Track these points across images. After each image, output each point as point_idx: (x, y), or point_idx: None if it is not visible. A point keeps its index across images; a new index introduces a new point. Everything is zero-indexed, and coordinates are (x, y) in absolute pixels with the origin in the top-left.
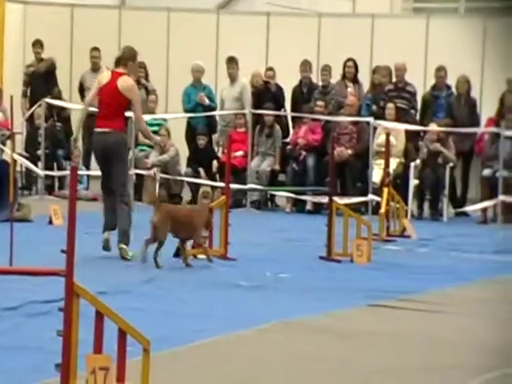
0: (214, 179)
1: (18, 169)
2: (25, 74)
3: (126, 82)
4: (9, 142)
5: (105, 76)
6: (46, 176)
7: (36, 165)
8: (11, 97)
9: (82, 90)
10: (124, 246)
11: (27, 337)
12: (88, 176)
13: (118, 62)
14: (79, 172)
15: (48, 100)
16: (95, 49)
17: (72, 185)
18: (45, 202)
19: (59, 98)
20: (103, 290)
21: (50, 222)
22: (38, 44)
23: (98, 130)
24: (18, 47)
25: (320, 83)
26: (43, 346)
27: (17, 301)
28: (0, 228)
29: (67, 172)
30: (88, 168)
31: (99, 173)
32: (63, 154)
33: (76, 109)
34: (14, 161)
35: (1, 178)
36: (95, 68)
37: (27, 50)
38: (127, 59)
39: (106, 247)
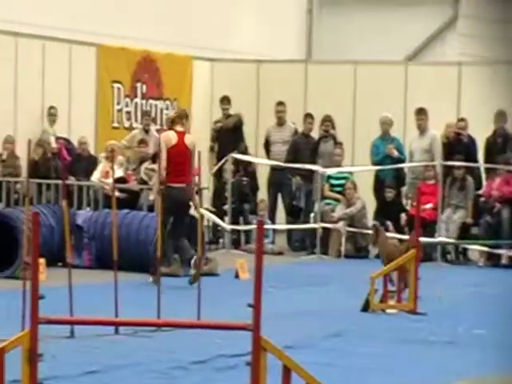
0: (402, 232)
1: (206, 223)
2: (212, 130)
3: (190, 139)
4: (196, 198)
5: (172, 136)
6: (233, 230)
7: (223, 219)
8: (199, 152)
9: (267, 144)
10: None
11: None
12: (274, 230)
13: (175, 121)
14: (265, 226)
15: (235, 155)
16: (280, 103)
17: (259, 239)
18: (231, 256)
19: (245, 153)
20: (289, 345)
21: (237, 276)
22: (225, 100)
23: (174, 185)
24: (206, 103)
25: None
26: None
27: (205, 354)
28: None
29: (253, 226)
30: (273, 222)
31: (284, 227)
32: (249, 208)
33: (262, 164)
34: (202, 216)
35: (190, 234)
36: (280, 123)
37: (214, 106)
38: (183, 118)
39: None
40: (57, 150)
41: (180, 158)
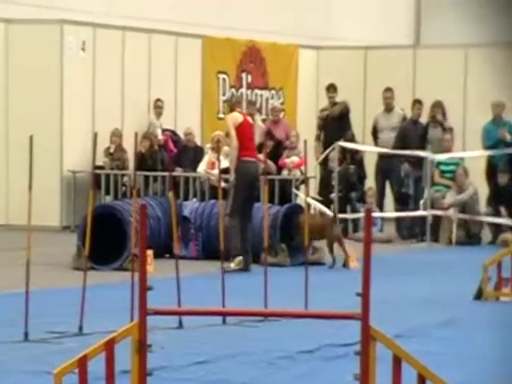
0: None
1: (312, 212)
2: (318, 118)
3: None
4: (303, 187)
5: (237, 115)
6: (340, 219)
7: (329, 208)
8: (305, 141)
9: (375, 131)
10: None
11: (324, 380)
12: (382, 218)
13: (235, 105)
14: (373, 214)
15: (341, 143)
16: (388, 89)
17: (367, 227)
18: (339, 246)
19: (352, 140)
20: (399, 333)
21: (345, 265)
22: (331, 88)
23: (250, 159)
24: (312, 92)
25: None
26: None
27: (313, 344)
28: (295, 272)
29: (361, 214)
30: (382, 210)
31: (393, 214)
32: (357, 196)
33: (369, 151)
34: (308, 205)
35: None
36: (388, 109)
37: (320, 94)
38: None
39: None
40: (163, 142)
41: (249, 134)
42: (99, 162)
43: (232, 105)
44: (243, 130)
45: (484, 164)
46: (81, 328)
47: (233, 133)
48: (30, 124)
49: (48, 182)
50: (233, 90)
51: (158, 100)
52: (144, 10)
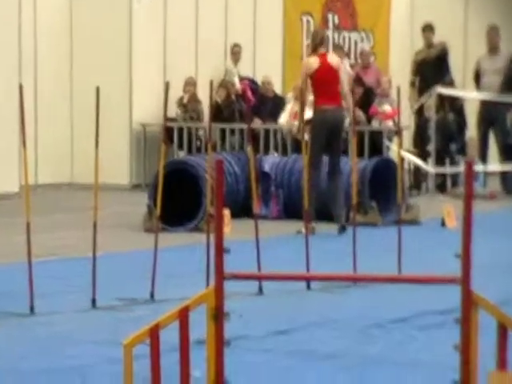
0: None
1: (406, 167)
2: (413, 62)
3: (335, 59)
4: (396, 138)
5: (312, 61)
6: (437, 173)
7: (426, 161)
8: (398, 88)
9: (477, 76)
10: None
11: (420, 351)
12: (485, 172)
13: (318, 45)
14: (475, 168)
15: (439, 89)
16: (494, 28)
17: (468, 182)
18: (436, 202)
19: (452, 86)
20: (504, 300)
21: (443, 224)
22: (428, 28)
23: (328, 106)
24: (406, 33)
25: None
26: (439, 360)
27: (407, 312)
28: (387, 232)
29: (461, 168)
30: (485, 163)
31: (496, 168)
32: (456, 148)
33: (471, 98)
34: (402, 159)
35: (387, 179)
36: (493, 50)
37: (416, 35)
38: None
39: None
40: (241, 91)
41: (329, 78)
42: (171, 114)
43: (316, 45)
44: (320, 76)
45: None
46: (152, 294)
47: (303, 85)
48: (97, 74)
49: (116, 135)
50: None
51: (236, 45)
52: None
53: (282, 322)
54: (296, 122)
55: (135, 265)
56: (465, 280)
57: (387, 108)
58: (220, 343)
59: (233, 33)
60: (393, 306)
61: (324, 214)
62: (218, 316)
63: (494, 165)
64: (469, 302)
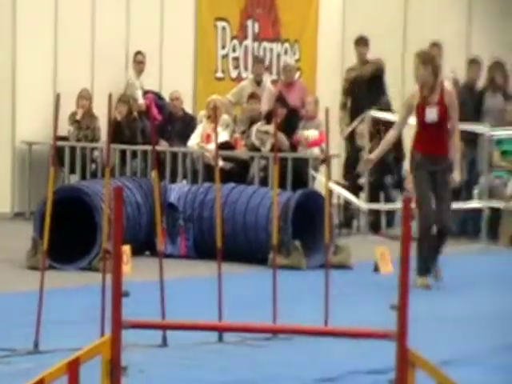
0: None
1: (335, 201)
2: (344, 81)
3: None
4: (323, 168)
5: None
6: (370, 210)
7: (357, 196)
8: (326, 110)
9: None
10: None
11: None
12: None
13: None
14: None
15: (374, 113)
16: (435, 45)
17: (405, 221)
18: (368, 244)
19: (388, 109)
20: (447, 359)
21: (376, 269)
22: (362, 42)
23: None
24: (336, 47)
25: None
26: None
27: (334, 370)
28: (313, 276)
29: (398, 205)
30: None
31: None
32: (392, 181)
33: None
34: (330, 191)
35: (313, 214)
36: None
37: (347, 49)
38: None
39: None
40: (145, 108)
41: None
42: (62, 132)
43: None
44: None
45: None
46: (36, 344)
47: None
48: None
49: None
50: (235, 42)
51: (139, 53)
52: None
53: (190, 379)
54: (209, 146)
55: (17, 308)
56: (401, 336)
57: (313, 133)
58: None
59: (135, 39)
60: (318, 363)
61: (238, 253)
62: (115, 370)
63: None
64: (405, 360)
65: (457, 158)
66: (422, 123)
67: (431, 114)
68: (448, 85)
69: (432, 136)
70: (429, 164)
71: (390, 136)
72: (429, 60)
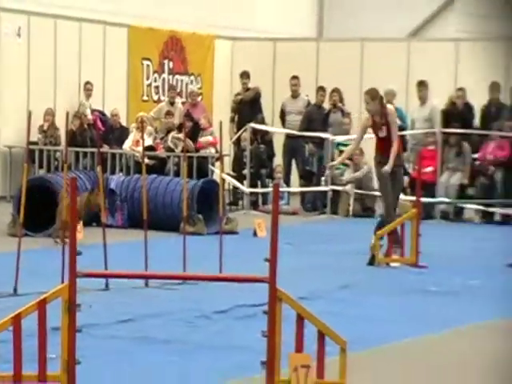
0: (405, 193)
1: (226, 187)
2: (233, 102)
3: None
4: (218, 163)
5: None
6: (251, 193)
7: (242, 183)
8: (220, 122)
9: (283, 115)
10: None
11: (236, 337)
12: (288, 192)
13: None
14: (281, 189)
15: (253, 125)
16: (295, 77)
17: (275, 200)
18: (250, 217)
19: (263, 122)
20: (303, 295)
21: (255, 234)
22: (245, 75)
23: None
24: (227, 78)
25: (508, 102)
26: (250, 345)
27: (226, 305)
28: (211, 240)
29: (270, 189)
30: (288, 185)
31: (298, 189)
32: (266, 172)
33: (278, 132)
34: (223, 180)
35: (211, 196)
36: (295, 95)
37: (235, 80)
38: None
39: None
40: (92, 121)
41: None
42: (34, 139)
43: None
44: None
45: None
46: (15, 289)
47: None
48: None
49: None
50: (155, 75)
51: (88, 83)
52: (75, 0)
53: (125, 313)
54: (138, 148)
55: (1, 264)
56: (271, 280)
57: (210, 138)
58: (72, 330)
59: (85, 72)
60: (215, 301)
61: (159, 224)
62: (71, 307)
63: (296, 187)
64: (274, 297)
65: (392, 156)
66: (377, 137)
67: (382, 133)
68: (389, 107)
69: (384, 145)
70: (384, 163)
71: (349, 148)
72: (376, 95)
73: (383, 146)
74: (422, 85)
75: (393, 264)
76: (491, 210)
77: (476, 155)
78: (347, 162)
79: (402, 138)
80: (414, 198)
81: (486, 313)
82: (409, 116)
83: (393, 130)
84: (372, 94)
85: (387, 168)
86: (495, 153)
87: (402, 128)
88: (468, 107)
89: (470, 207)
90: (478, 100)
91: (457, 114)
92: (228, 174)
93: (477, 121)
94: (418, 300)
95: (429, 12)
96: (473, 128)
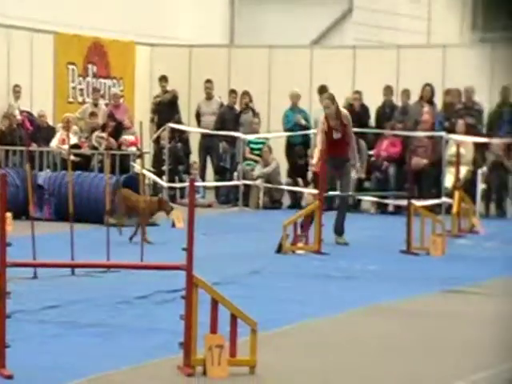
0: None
1: (147, 182)
2: (152, 104)
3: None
4: (139, 160)
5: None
6: (170, 187)
7: (161, 178)
8: (141, 122)
9: (198, 115)
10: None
11: (156, 320)
12: (204, 187)
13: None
14: (196, 183)
15: (171, 125)
16: (208, 81)
17: (191, 194)
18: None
19: (180, 122)
20: (217, 281)
21: (173, 226)
22: (163, 79)
23: None
24: (147, 82)
25: (400, 104)
26: (169, 327)
27: (147, 290)
28: (132, 231)
29: (187, 184)
30: (204, 180)
31: (213, 184)
32: (183, 169)
33: (194, 132)
34: (143, 175)
35: (133, 190)
36: (209, 97)
37: (154, 83)
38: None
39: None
40: (21, 122)
41: None
42: None
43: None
44: None
45: (284, 143)
46: None
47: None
48: None
49: None
50: (80, 78)
51: (16, 86)
52: (4, 8)
53: (53, 299)
54: (64, 146)
55: None
56: (188, 267)
57: (131, 137)
58: (3, 316)
59: (14, 76)
60: (136, 287)
61: (84, 216)
62: (1, 295)
63: (211, 182)
64: (191, 283)
65: (353, 156)
66: (330, 140)
67: (337, 135)
68: (343, 110)
69: (336, 145)
70: (333, 161)
71: (318, 149)
72: (334, 99)
73: (337, 146)
74: (322, 90)
75: (298, 251)
76: (385, 201)
77: (371, 152)
78: (257, 158)
79: (307, 137)
80: (317, 192)
81: (382, 295)
82: (312, 116)
83: (349, 131)
84: (332, 99)
85: (360, 174)
86: (388, 150)
87: (306, 128)
88: (364, 108)
89: (367, 199)
90: (373, 101)
91: (354, 114)
92: (148, 170)
93: (372, 121)
94: (321, 284)
95: (329, 22)
96: (368, 127)
